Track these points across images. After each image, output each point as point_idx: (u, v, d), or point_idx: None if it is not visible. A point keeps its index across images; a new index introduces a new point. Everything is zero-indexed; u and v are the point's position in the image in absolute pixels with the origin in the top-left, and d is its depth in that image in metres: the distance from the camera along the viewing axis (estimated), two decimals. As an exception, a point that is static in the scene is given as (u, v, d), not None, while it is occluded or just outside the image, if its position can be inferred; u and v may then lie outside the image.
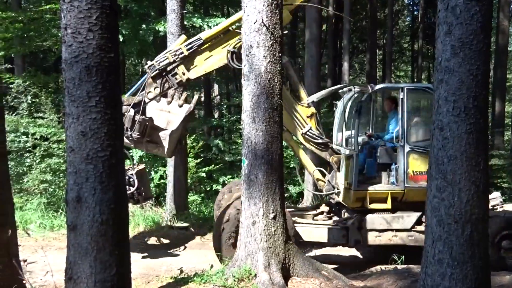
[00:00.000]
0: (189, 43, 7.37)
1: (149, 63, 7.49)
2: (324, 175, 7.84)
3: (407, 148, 7.20)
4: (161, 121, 7.87)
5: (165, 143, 7.53)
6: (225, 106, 19.76)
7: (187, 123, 8.19)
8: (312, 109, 7.70)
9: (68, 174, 3.14)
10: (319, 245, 7.66)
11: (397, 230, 7.18)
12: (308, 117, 7.60)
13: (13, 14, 13.11)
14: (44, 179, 11.09)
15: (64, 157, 11.50)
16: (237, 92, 19.80)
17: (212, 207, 11.32)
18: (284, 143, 7.34)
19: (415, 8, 27.02)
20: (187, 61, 7.41)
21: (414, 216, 7.24)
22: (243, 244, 5.61)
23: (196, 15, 13.13)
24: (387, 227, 7.19)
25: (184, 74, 7.41)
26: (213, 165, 13.43)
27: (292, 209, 7.88)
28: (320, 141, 7.63)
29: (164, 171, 12.21)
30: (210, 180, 13.59)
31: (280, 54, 5.71)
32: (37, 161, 11.54)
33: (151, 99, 7.53)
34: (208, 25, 12.63)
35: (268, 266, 5.36)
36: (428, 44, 25.25)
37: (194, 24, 12.77)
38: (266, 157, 5.59)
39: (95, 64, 3.02)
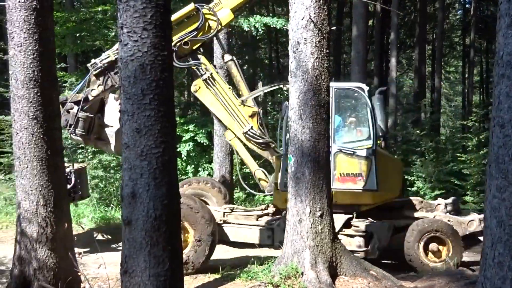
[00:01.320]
0: None
1: (92, 61, 7.56)
2: (266, 175, 7.74)
3: (335, 149, 6.96)
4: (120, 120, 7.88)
5: (112, 140, 7.66)
6: (269, 103, 19.75)
7: None
8: (254, 109, 7.64)
9: (123, 170, 3.22)
10: (249, 245, 7.41)
11: None
12: (250, 116, 7.54)
13: (67, 14, 13.65)
14: (96, 175, 11.47)
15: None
16: (282, 89, 19.75)
17: (256, 204, 11.38)
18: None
19: (467, 0, 26.04)
20: None
21: (341, 219, 6.96)
22: (290, 241, 5.59)
23: (244, 13, 13.18)
24: None
25: None
26: (256, 161, 13.44)
27: (241, 210, 7.73)
28: (261, 140, 7.55)
29: (211, 167, 12.36)
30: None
31: (327, 51, 5.64)
32: (89, 157, 11.95)
33: (95, 97, 7.59)
34: (255, 27, 12.67)
35: (315, 264, 5.32)
36: (480, 38, 24.25)
37: (239, 24, 12.84)
38: (313, 155, 5.55)
39: (149, 62, 3.08)
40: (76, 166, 8.06)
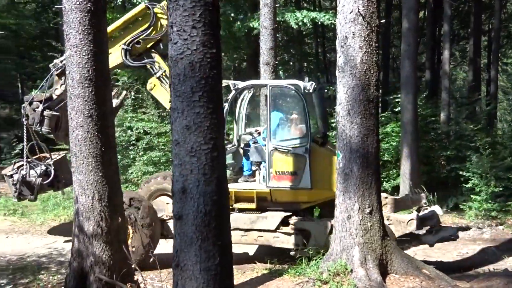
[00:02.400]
0: None
1: (55, 61, 7.83)
2: None
3: (270, 147, 6.84)
4: None
5: None
6: (316, 99, 19.59)
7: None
8: None
9: (174, 166, 3.29)
10: None
11: (262, 231, 6.84)
12: None
13: (118, 16, 14.09)
14: (146, 171, 11.79)
15: (163, 150, 12.17)
16: (328, 84, 19.57)
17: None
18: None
19: (525, -12, 24.61)
20: None
21: (278, 217, 6.87)
22: (338, 238, 5.55)
23: (291, 8, 13.15)
24: (252, 227, 6.87)
25: None
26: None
27: None
28: None
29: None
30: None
31: (377, 44, 5.53)
32: (140, 153, 12.29)
33: (58, 96, 7.90)
34: (302, 21, 12.58)
35: (364, 261, 5.25)
36: (541, 27, 22.90)
37: (285, 19, 12.79)
38: (362, 151, 5.48)
39: (198, 60, 3.13)
40: (55, 157, 8.57)
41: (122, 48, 7.43)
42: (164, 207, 7.53)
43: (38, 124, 7.97)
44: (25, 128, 8.18)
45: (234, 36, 14.11)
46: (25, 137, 8.23)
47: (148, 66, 7.65)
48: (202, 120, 3.17)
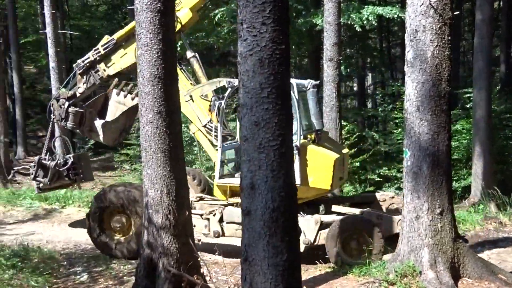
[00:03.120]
0: (106, 43, 8.13)
1: (78, 61, 8.37)
2: None
3: None
4: (118, 113, 8.80)
5: (100, 132, 8.62)
6: (379, 95, 19.10)
7: (132, 115, 8.97)
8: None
9: (242, 162, 3.32)
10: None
11: None
12: (209, 110, 7.66)
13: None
14: (209, 165, 12.02)
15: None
16: (393, 81, 18.99)
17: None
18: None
19: None
20: (106, 59, 8.20)
21: None
22: (406, 238, 5.40)
23: (355, 4, 12.87)
24: None
25: (104, 70, 8.25)
26: (366, 155, 13.07)
27: (210, 199, 7.83)
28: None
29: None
30: (364, 170, 13.29)
31: (449, 38, 5.31)
32: (203, 149, 12.53)
33: (81, 93, 8.52)
34: (367, 19, 12.33)
35: (434, 263, 5.08)
36: None
37: (351, 17, 12.54)
38: (431, 149, 5.31)
39: (267, 57, 3.13)
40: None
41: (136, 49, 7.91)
42: None
43: (64, 119, 8.66)
44: (51, 124, 8.92)
45: (299, 32, 14.04)
46: (49, 132, 8.98)
47: None
48: (270, 116, 3.17)
